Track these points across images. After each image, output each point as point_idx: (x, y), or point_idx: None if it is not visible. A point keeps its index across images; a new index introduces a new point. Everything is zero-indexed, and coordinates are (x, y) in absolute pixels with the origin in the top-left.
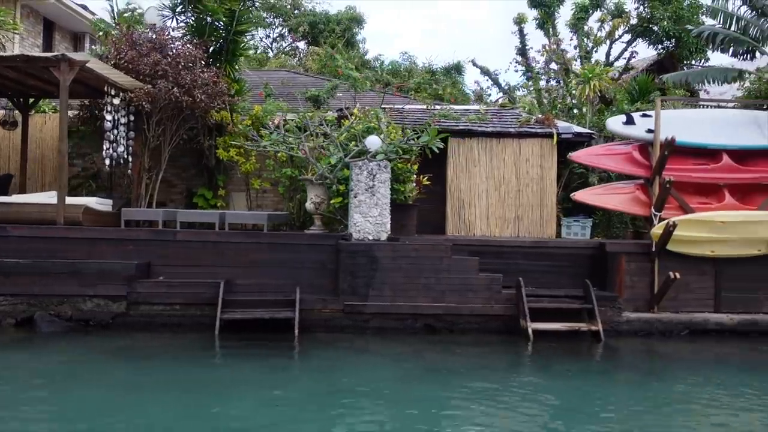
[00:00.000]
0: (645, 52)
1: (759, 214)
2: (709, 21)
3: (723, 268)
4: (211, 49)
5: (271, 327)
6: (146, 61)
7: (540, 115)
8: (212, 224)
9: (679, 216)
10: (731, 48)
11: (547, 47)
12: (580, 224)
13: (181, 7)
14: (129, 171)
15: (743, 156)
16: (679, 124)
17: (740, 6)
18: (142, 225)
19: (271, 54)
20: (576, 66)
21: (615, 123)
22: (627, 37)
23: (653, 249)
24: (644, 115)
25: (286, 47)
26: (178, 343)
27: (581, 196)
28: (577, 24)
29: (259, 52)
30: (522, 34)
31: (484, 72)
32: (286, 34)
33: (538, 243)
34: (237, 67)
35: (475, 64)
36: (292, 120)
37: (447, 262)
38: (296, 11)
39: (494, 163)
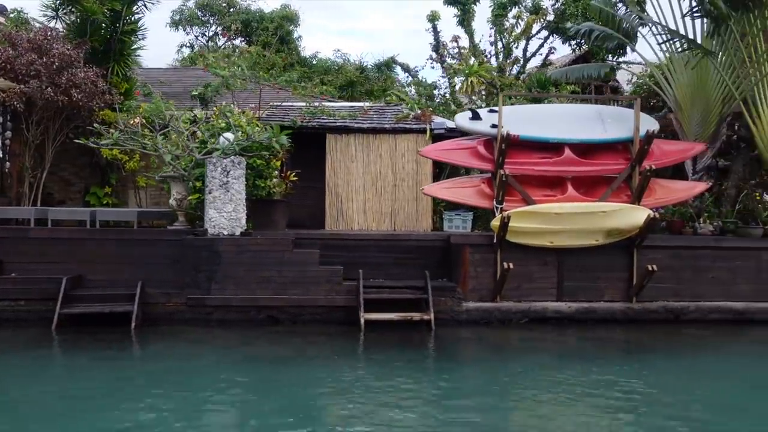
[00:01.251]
0: (564, 49)
1: (592, 205)
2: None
3: (565, 258)
4: (102, 48)
5: (115, 321)
6: (21, 61)
7: (419, 111)
8: (84, 221)
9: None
10: (605, 44)
11: (445, 45)
12: (462, 217)
13: (62, 8)
14: (7, 170)
15: (588, 150)
16: (526, 119)
17: (617, 2)
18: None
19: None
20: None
21: (462, 119)
22: (545, 33)
23: (494, 241)
24: (491, 111)
25: (221, 46)
26: (15, 338)
27: (430, 190)
28: (495, 21)
29: (195, 50)
30: (436, 31)
31: (405, 69)
32: (218, 32)
33: (389, 236)
34: (126, 66)
35: (394, 61)
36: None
37: (288, 256)
38: (232, 9)
39: (371, 158)
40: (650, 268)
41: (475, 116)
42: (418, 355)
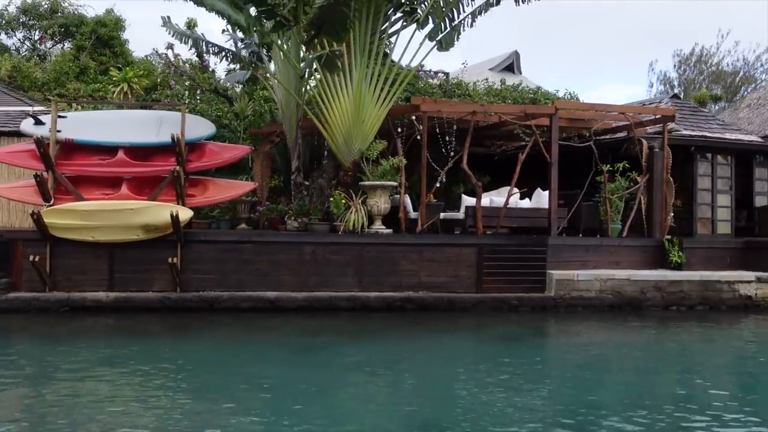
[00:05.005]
0: None
1: (119, 203)
2: None
3: (118, 251)
4: None
5: None
6: None
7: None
8: None
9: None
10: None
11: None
12: None
13: None
14: None
15: (149, 152)
16: (88, 124)
17: None
18: None
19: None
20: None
21: (26, 124)
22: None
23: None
24: (60, 116)
25: (44, 49)
26: None
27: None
28: None
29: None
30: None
31: None
32: (36, 36)
33: None
34: None
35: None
36: None
37: None
38: (55, 14)
39: None
40: (171, 261)
41: (38, 122)
42: None
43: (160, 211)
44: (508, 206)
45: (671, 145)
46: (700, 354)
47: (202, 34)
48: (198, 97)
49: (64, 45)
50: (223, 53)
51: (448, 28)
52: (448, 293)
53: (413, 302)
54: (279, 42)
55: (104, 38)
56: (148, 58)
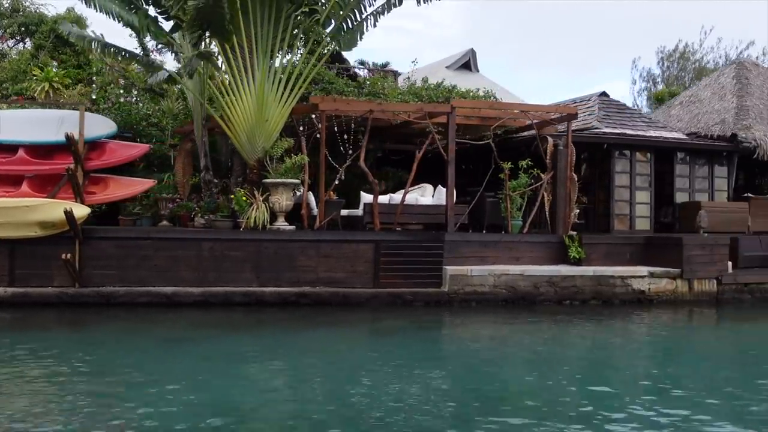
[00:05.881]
0: None
1: (12, 200)
2: None
3: (18, 247)
4: None
5: None
6: None
7: None
8: None
9: None
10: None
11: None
12: None
13: None
14: None
15: (51, 150)
16: None
17: None
18: None
19: None
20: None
21: None
22: None
23: None
24: None
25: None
26: None
27: None
28: None
29: None
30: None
31: None
32: None
33: None
34: None
35: None
36: None
37: None
38: (17, 13)
39: None
40: (65, 257)
41: None
42: None
43: (55, 209)
44: (410, 204)
45: (591, 143)
46: (556, 346)
47: (101, 35)
48: (134, 96)
49: (24, 44)
50: (123, 53)
51: (350, 28)
52: (345, 288)
53: (308, 297)
54: (178, 42)
55: (65, 37)
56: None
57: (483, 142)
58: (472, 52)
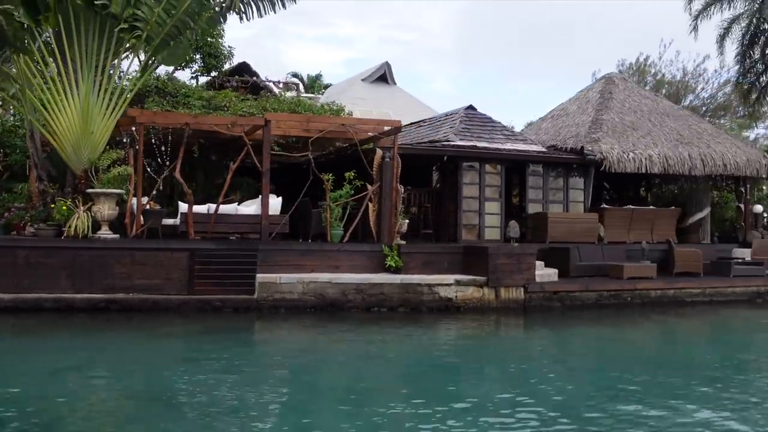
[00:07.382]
0: None
1: None
2: None
3: None
4: None
5: None
6: None
7: None
8: None
9: None
10: None
11: None
12: None
13: None
14: None
15: None
16: None
17: None
18: None
19: None
20: None
21: None
22: None
23: None
24: None
25: None
26: None
27: None
28: None
29: None
30: None
31: None
32: None
33: None
34: None
35: None
36: None
37: None
38: None
39: None
40: None
41: None
42: None
43: None
44: (228, 213)
45: (444, 156)
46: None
47: None
48: None
49: None
50: None
51: (172, 45)
52: (157, 295)
53: (118, 303)
54: None
55: None
56: None
57: (302, 155)
58: (387, 65)
